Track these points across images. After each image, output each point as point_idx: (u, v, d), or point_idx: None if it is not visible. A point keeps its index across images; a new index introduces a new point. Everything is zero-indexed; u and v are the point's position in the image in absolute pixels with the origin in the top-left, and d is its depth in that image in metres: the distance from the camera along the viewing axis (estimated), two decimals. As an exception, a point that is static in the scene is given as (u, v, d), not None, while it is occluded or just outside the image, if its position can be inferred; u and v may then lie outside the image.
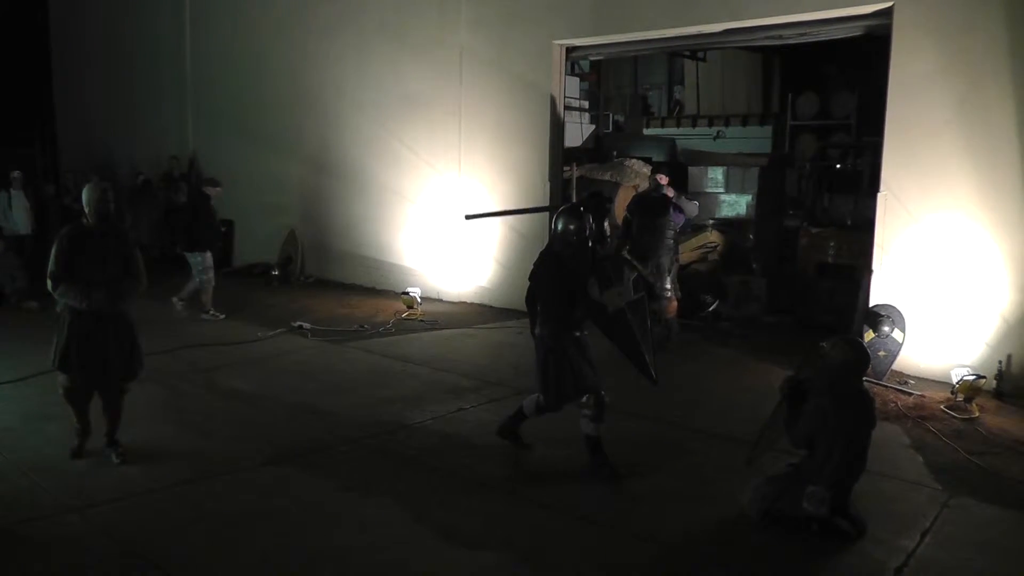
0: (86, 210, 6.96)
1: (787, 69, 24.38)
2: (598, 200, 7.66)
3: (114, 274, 6.94)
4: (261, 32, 17.55)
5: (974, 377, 8.97)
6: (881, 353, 9.65)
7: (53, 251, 6.85)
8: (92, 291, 6.77)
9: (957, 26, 9.60)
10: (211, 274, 13.44)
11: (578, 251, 7.07)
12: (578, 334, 7.07)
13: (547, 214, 11.87)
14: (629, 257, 11.47)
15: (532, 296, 7.27)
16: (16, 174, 16.58)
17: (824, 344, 6.13)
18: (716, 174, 16.22)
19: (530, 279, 7.31)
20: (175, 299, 13.39)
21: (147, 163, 19.44)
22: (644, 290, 7.25)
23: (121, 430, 7.28)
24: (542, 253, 7.32)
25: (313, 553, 5.63)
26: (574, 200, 13.45)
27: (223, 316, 13.36)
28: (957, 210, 9.70)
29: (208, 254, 13.48)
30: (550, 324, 7.06)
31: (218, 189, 13.82)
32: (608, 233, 7.78)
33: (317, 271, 16.32)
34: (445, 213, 14.63)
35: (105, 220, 6.96)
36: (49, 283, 6.82)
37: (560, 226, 7.10)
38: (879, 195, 10.31)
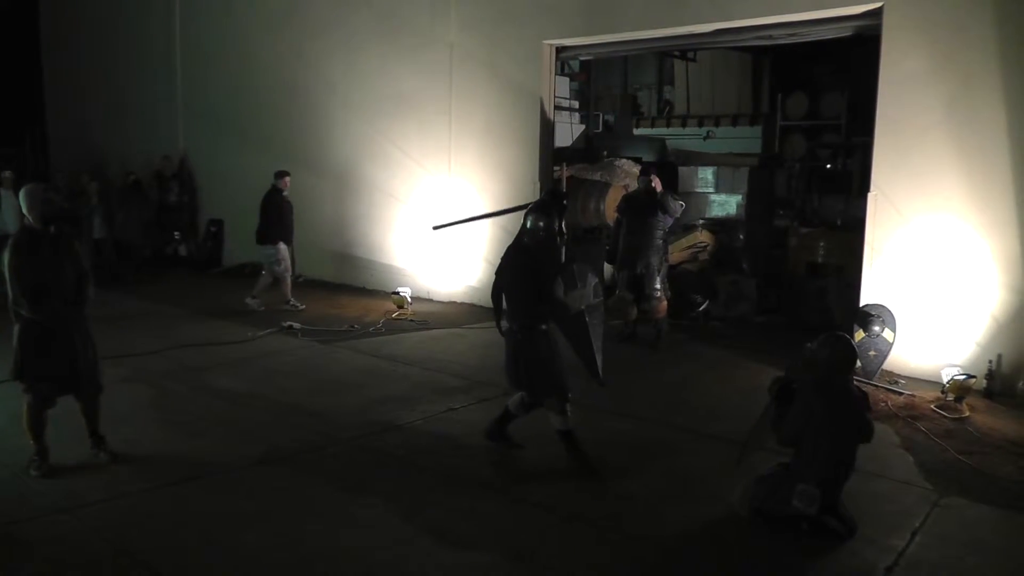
0: (27, 214, 6.78)
1: (777, 69, 24.37)
2: (556, 197, 7.75)
3: (68, 279, 6.85)
4: (252, 31, 17.52)
5: (964, 377, 9.00)
6: (872, 353, 9.67)
7: (8, 266, 6.63)
8: (48, 300, 6.67)
9: (947, 26, 9.63)
10: (286, 264, 13.83)
11: (546, 247, 7.26)
12: (544, 327, 7.16)
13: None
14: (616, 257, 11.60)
15: (498, 291, 7.41)
16: (7, 174, 16.54)
17: (809, 344, 6.16)
18: (706, 174, 16.27)
19: (496, 274, 7.45)
20: (248, 299, 13.80)
21: (138, 162, 19.37)
22: (603, 295, 7.38)
23: (112, 429, 7.27)
24: (509, 248, 7.47)
25: (304, 553, 5.62)
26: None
27: (303, 307, 13.70)
28: (947, 210, 9.73)
29: (281, 245, 13.80)
30: (519, 318, 7.20)
31: (286, 179, 14.01)
32: (565, 231, 7.94)
33: (307, 271, 16.27)
34: (435, 213, 14.62)
35: (50, 223, 6.80)
36: (15, 304, 6.66)
37: (530, 223, 7.26)
38: (869, 195, 10.34)
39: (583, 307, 7.08)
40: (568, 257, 7.50)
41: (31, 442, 6.88)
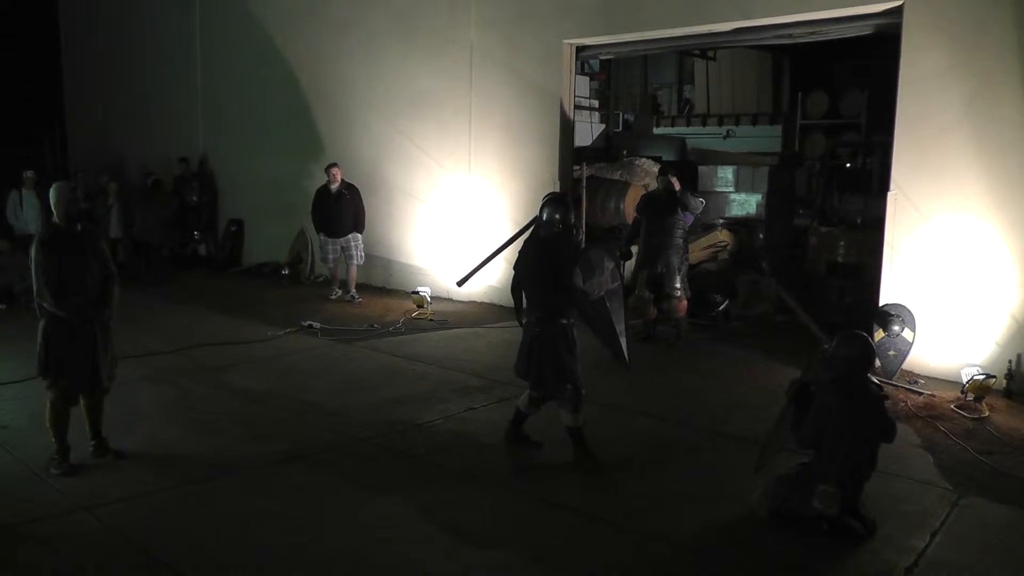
0: (54, 212, 6.82)
1: (797, 68, 24.32)
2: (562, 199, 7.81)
3: (93, 277, 6.87)
4: (271, 32, 17.57)
5: (984, 376, 8.97)
6: (891, 352, 9.64)
7: (34, 261, 6.69)
8: (72, 297, 6.69)
9: (967, 24, 9.58)
10: (327, 256, 14.81)
11: (562, 238, 7.27)
12: (564, 322, 7.16)
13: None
14: (623, 250, 11.59)
15: (517, 284, 7.44)
16: (29, 174, 16.62)
17: (827, 344, 6.14)
18: (726, 173, 16.21)
19: (515, 268, 7.49)
20: (351, 295, 14.63)
21: (157, 164, 19.49)
22: (621, 279, 7.38)
23: (132, 428, 7.32)
24: (525, 242, 7.52)
25: (323, 552, 5.65)
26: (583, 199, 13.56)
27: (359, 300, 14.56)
28: (967, 209, 9.67)
29: (321, 236, 14.74)
30: (537, 310, 7.23)
31: (332, 171, 14.52)
32: (580, 224, 8.04)
33: (326, 271, 16.30)
34: (455, 212, 14.66)
35: (75, 221, 6.85)
36: (39, 297, 6.71)
37: (545, 215, 7.29)
38: (889, 194, 10.29)
39: (603, 293, 7.09)
40: (584, 246, 7.48)
41: (52, 440, 6.90)
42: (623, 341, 7.20)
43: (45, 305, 6.72)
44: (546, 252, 7.22)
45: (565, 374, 7.12)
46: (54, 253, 6.68)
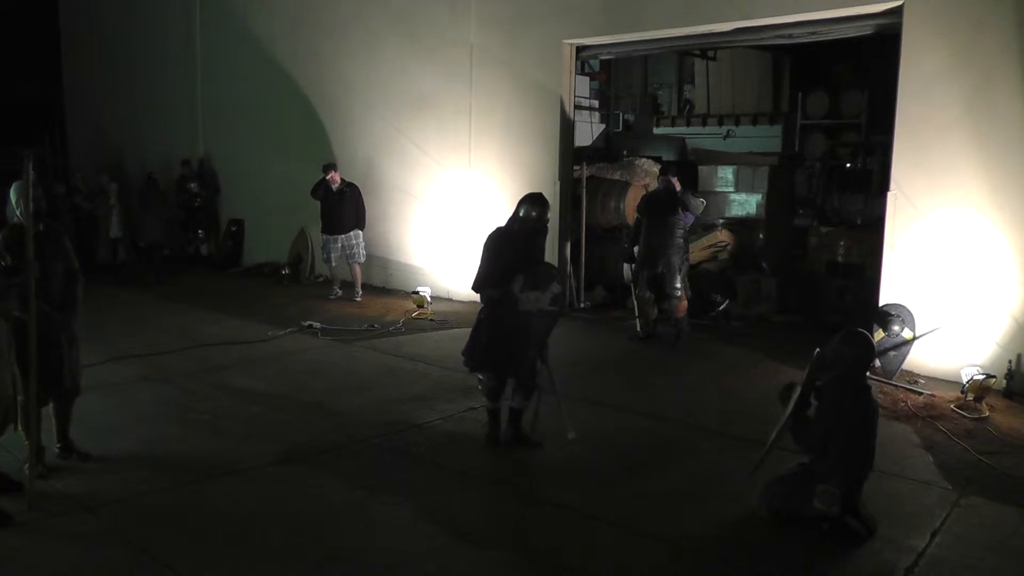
0: (16, 211, 6.56)
1: (797, 68, 24.33)
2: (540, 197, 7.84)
3: (57, 278, 6.70)
4: (271, 31, 17.59)
5: (984, 376, 8.96)
6: (891, 352, 9.64)
7: None
8: (33, 299, 6.33)
9: (967, 24, 9.58)
10: (328, 254, 14.87)
11: (532, 235, 7.39)
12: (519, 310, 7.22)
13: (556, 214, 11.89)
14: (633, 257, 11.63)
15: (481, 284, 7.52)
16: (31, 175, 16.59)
17: (826, 344, 6.12)
18: (726, 173, 16.20)
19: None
20: (357, 295, 14.67)
21: (158, 163, 19.48)
22: (560, 307, 7.48)
23: (132, 428, 7.31)
24: (492, 232, 7.56)
25: (323, 552, 5.65)
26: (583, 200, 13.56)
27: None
28: (967, 209, 9.68)
29: (323, 236, 14.86)
30: (486, 291, 7.33)
31: (331, 173, 14.58)
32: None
33: (327, 270, 16.31)
34: (455, 212, 14.66)
35: (39, 219, 6.52)
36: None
37: (523, 211, 7.38)
38: (889, 194, 10.30)
39: (534, 310, 7.17)
40: (541, 258, 7.52)
41: (25, 442, 6.60)
42: (530, 367, 7.38)
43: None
44: (508, 241, 7.31)
45: (518, 354, 7.28)
46: (12, 252, 6.40)
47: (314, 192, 14.56)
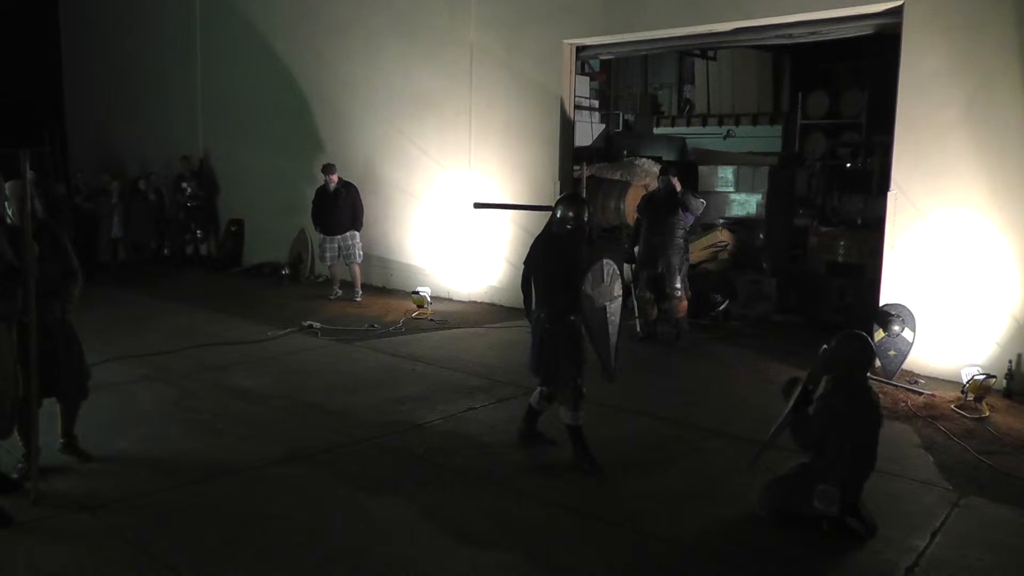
0: (8, 210, 6.51)
1: (797, 68, 24.31)
2: (576, 197, 7.84)
3: (51, 278, 6.56)
4: (271, 31, 17.59)
5: (984, 376, 8.96)
6: (891, 352, 9.64)
7: None
8: (29, 299, 6.21)
9: (967, 24, 9.58)
10: (325, 254, 14.91)
11: (575, 237, 7.31)
12: (572, 319, 7.16)
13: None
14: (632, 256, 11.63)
15: (527, 279, 7.44)
16: (30, 175, 16.60)
17: (826, 345, 6.13)
18: (726, 173, 16.21)
19: (525, 263, 7.49)
20: (357, 295, 14.71)
21: (157, 163, 19.50)
22: (624, 292, 7.47)
23: (131, 428, 7.30)
24: (537, 237, 7.53)
25: (323, 552, 5.65)
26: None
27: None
28: (967, 209, 9.68)
29: (321, 236, 14.88)
30: (546, 306, 7.22)
31: (330, 174, 14.62)
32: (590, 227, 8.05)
33: (327, 270, 16.32)
34: (455, 213, 14.66)
35: (32, 219, 6.34)
36: None
37: (560, 212, 7.34)
38: (889, 194, 10.30)
39: (606, 303, 7.12)
40: (597, 251, 7.53)
41: (20, 441, 6.60)
42: (613, 354, 7.25)
43: None
44: (556, 248, 7.24)
45: (572, 371, 7.13)
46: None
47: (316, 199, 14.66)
